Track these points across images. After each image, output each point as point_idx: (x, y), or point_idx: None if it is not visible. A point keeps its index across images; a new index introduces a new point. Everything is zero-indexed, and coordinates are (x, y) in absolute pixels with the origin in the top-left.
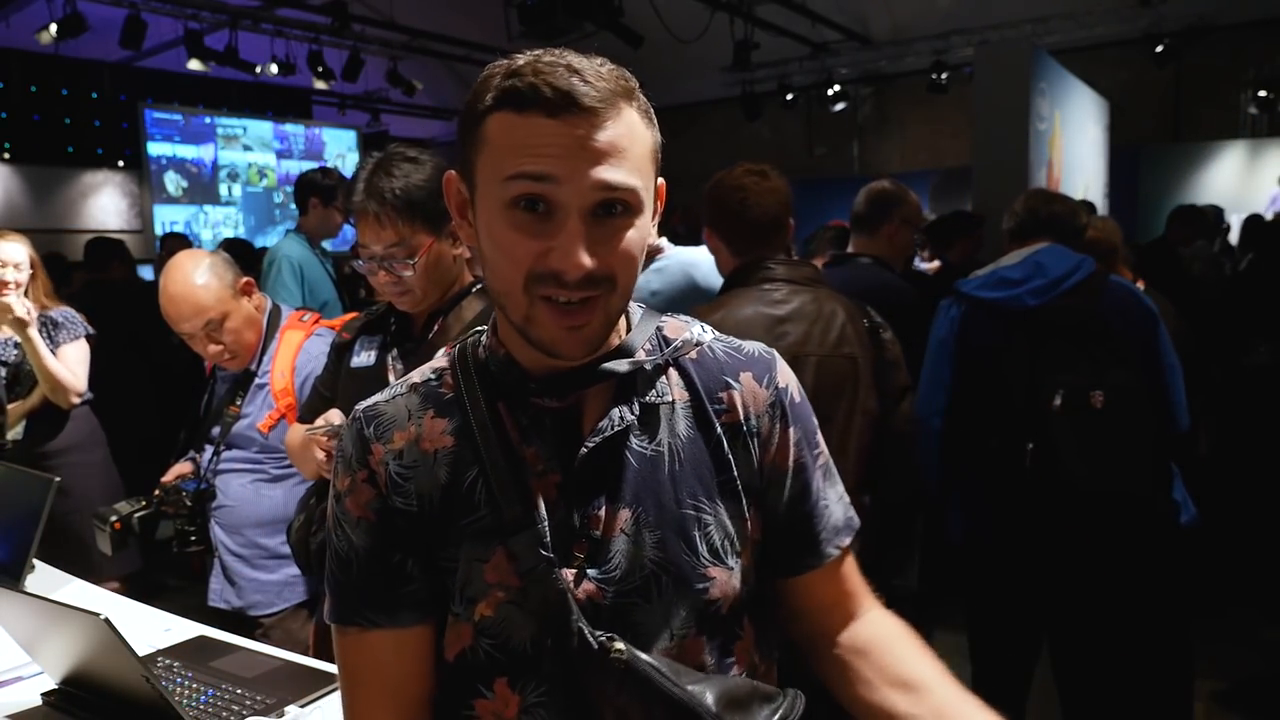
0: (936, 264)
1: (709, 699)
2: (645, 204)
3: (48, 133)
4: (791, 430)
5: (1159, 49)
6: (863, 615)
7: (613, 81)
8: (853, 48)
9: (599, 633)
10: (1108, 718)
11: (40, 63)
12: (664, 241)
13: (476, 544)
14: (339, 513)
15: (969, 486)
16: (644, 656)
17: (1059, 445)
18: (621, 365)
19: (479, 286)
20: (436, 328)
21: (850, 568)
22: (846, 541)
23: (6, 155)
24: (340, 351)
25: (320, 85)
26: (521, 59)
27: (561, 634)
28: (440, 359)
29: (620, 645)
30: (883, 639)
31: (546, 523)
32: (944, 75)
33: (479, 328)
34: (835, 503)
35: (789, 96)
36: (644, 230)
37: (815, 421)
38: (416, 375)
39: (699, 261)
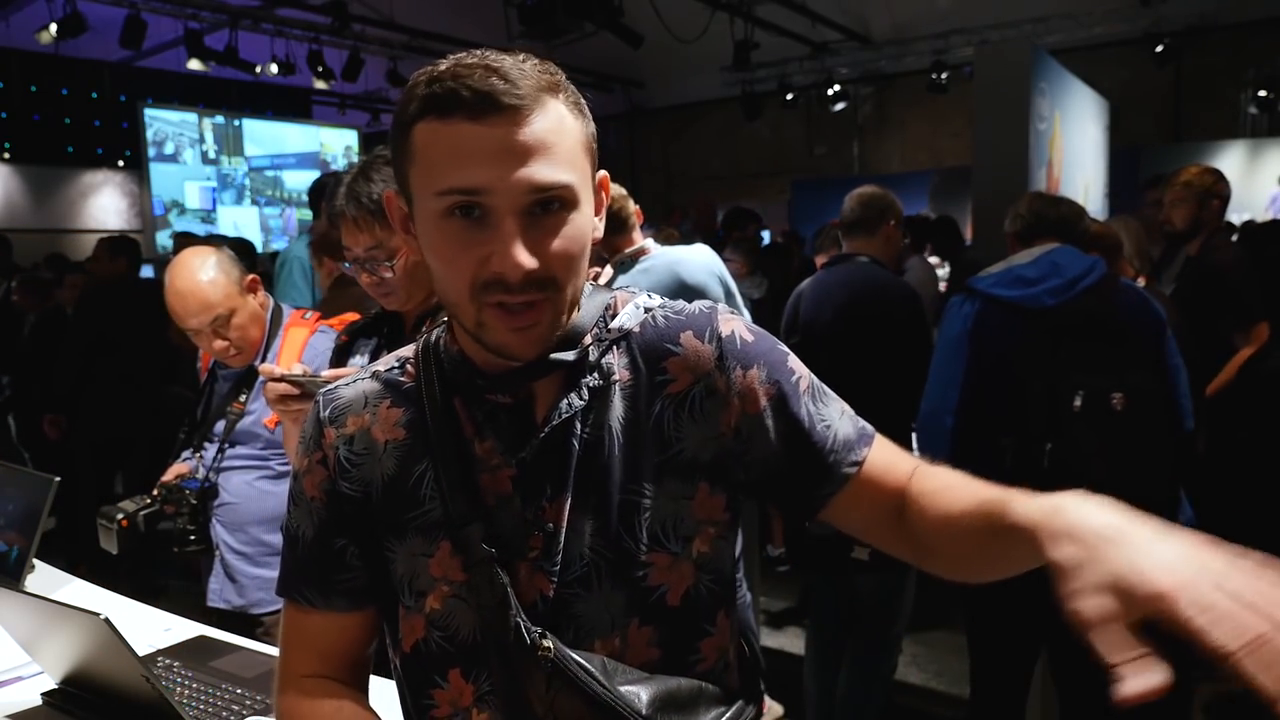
0: (937, 263)
1: (641, 700)
2: (581, 198)
3: (48, 133)
4: (754, 371)
5: (1159, 49)
6: (910, 482)
7: (535, 77)
8: (853, 48)
9: (534, 628)
10: (1106, 717)
11: (40, 63)
12: (649, 242)
13: (421, 538)
14: (296, 491)
15: None
16: (574, 655)
17: (1079, 446)
18: (568, 356)
19: None
20: (425, 328)
21: (876, 465)
22: (864, 452)
23: (6, 155)
24: (341, 354)
25: (320, 85)
26: (444, 64)
27: (501, 628)
28: (408, 348)
29: (548, 642)
30: (932, 488)
31: (490, 517)
32: (944, 75)
33: (445, 318)
34: (838, 419)
35: (789, 96)
36: (583, 225)
37: (782, 350)
38: (381, 363)
39: (684, 259)
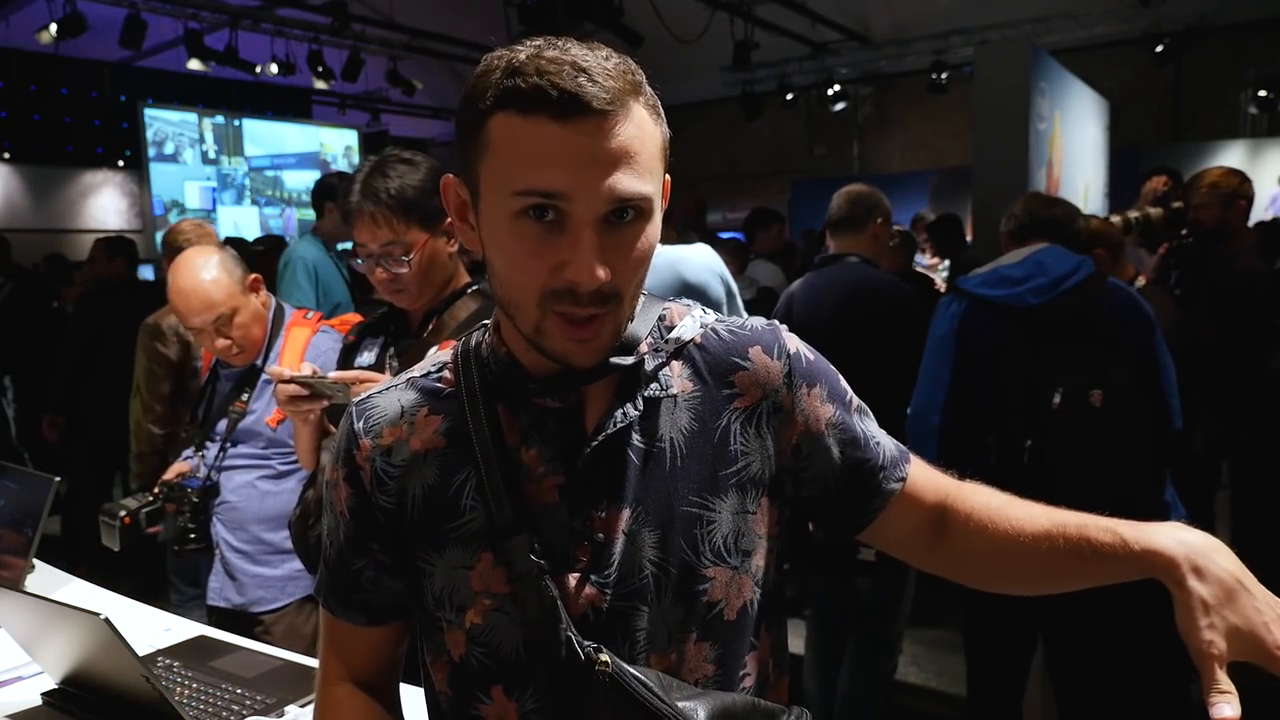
0: (936, 261)
1: (700, 716)
2: (656, 207)
3: (48, 133)
4: (817, 389)
5: (1159, 49)
6: (946, 497)
7: (620, 79)
8: (853, 48)
9: (588, 643)
10: (1103, 715)
11: (40, 63)
12: None
13: (461, 550)
14: (329, 500)
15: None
16: (631, 670)
17: (1058, 443)
18: (625, 360)
19: (475, 287)
20: (431, 326)
21: (917, 482)
22: (908, 468)
23: (6, 155)
24: (349, 354)
25: (320, 85)
26: (523, 52)
27: (550, 643)
28: (445, 353)
29: (605, 657)
30: (967, 503)
31: (538, 527)
32: (944, 75)
33: (485, 322)
34: (884, 438)
35: (789, 96)
36: (654, 233)
37: (834, 369)
38: (418, 369)
39: (686, 258)
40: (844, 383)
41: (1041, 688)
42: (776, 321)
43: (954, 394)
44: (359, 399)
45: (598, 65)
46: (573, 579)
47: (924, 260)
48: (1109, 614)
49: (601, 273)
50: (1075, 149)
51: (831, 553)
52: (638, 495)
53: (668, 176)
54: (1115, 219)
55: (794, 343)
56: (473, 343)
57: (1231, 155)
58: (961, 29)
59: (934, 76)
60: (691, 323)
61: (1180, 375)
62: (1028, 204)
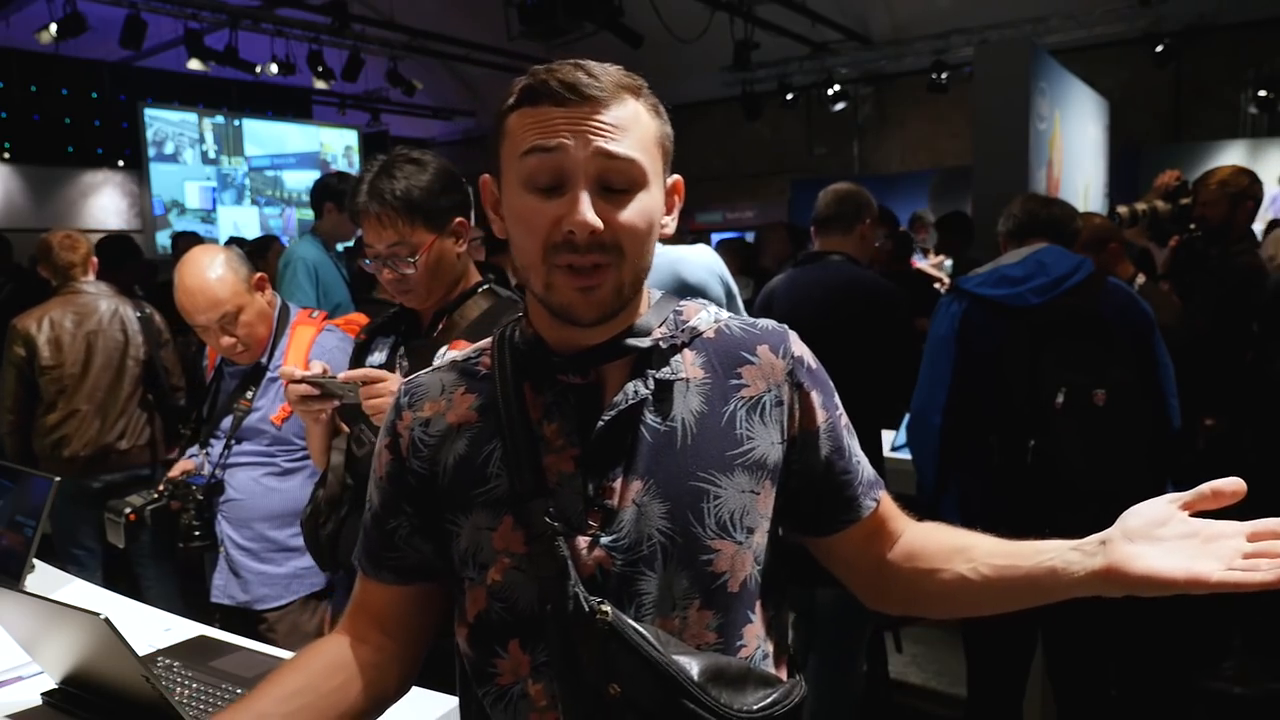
0: (937, 259)
1: (693, 670)
2: (650, 182)
3: (48, 133)
4: (814, 394)
5: (1159, 49)
6: (902, 534)
7: (617, 77)
8: (853, 48)
9: (593, 598)
10: (1103, 715)
11: (40, 63)
12: None
13: (485, 513)
14: (373, 467)
15: (967, 483)
16: (630, 622)
17: (1062, 442)
18: (641, 342)
19: (486, 286)
20: (442, 325)
21: (884, 511)
22: (880, 494)
23: (6, 155)
24: (360, 353)
25: (320, 85)
26: (541, 69)
27: (559, 598)
28: (486, 340)
29: (607, 609)
30: (920, 536)
31: (555, 493)
32: (944, 75)
33: (518, 315)
34: (865, 460)
35: (789, 96)
36: (651, 207)
37: (832, 384)
38: (461, 354)
39: (685, 258)
40: (838, 399)
41: (1041, 688)
42: (787, 327)
43: (954, 393)
44: (408, 379)
45: (598, 67)
46: (583, 541)
47: (924, 260)
48: (1108, 614)
49: (594, 219)
50: (1075, 149)
51: (799, 562)
52: (649, 469)
53: (677, 177)
54: (1122, 209)
55: (800, 348)
56: (509, 330)
57: (1231, 155)
58: (961, 29)
59: (934, 76)
60: (707, 316)
61: (1182, 373)
62: (1026, 204)
